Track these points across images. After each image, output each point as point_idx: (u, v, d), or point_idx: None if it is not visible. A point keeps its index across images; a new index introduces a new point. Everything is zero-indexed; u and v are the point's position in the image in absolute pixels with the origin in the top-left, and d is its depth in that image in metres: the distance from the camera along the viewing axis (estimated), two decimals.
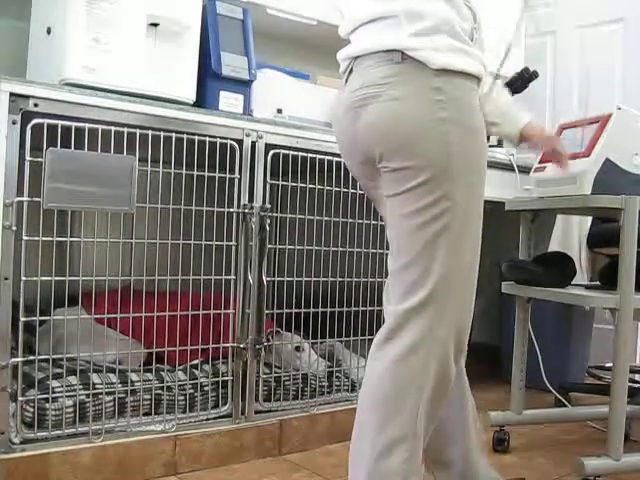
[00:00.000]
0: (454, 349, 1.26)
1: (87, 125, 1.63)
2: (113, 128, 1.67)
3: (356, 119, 1.28)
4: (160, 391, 1.82)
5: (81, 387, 1.70)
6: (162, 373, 1.85)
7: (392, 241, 1.30)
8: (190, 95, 1.91)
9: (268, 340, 2.00)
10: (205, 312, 1.88)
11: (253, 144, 1.93)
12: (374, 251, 2.13)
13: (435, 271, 1.23)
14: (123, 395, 1.77)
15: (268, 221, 1.93)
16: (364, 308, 2.12)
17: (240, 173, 1.90)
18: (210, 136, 1.83)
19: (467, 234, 1.27)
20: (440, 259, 1.23)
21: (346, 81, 1.33)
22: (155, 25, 1.85)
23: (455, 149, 1.21)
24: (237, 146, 1.88)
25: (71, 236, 1.68)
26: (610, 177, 1.85)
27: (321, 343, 2.17)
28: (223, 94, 2.00)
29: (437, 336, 1.24)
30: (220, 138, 1.85)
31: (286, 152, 1.95)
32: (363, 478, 1.23)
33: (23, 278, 1.57)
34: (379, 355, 1.27)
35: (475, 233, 1.29)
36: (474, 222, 1.28)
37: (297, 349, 2.08)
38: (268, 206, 1.94)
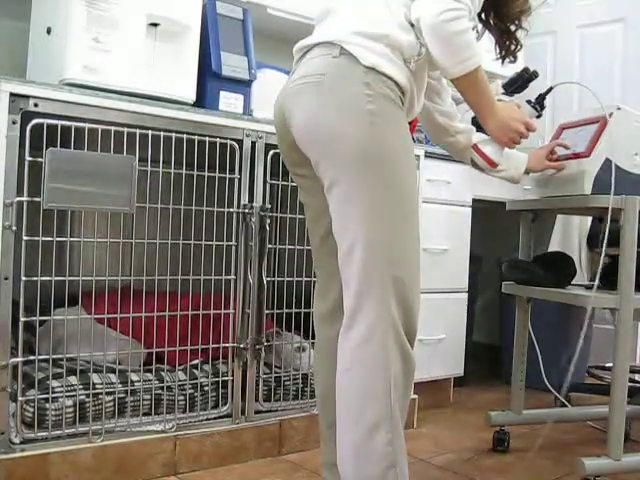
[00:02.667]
0: (404, 330, 1.28)
1: (87, 125, 1.63)
2: (113, 128, 1.67)
3: (292, 106, 1.34)
4: (160, 391, 1.82)
5: (81, 387, 1.70)
6: (162, 373, 1.85)
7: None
8: (190, 95, 1.91)
9: (268, 340, 2.00)
10: (205, 312, 1.88)
11: (253, 144, 1.93)
12: None
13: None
14: (123, 395, 1.77)
15: (268, 221, 1.93)
16: None
17: (240, 173, 1.90)
18: (210, 136, 1.83)
19: (396, 220, 1.29)
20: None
21: (292, 71, 1.40)
22: (155, 25, 1.85)
23: (378, 138, 1.26)
24: (237, 146, 1.89)
25: (71, 236, 1.68)
26: (610, 177, 1.85)
27: None
28: (223, 94, 2.00)
29: (389, 317, 1.26)
30: (220, 138, 1.85)
31: None
32: (350, 468, 1.26)
33: (23, 278, 1.57)
34: (341, 344, 1.30)
35: (408, 221, 1.31)
36: (404, 204, 1.30)
37: (298, 349, 2.08)
38: (268, 206, 1.94)
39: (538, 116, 1.71)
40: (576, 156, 1.90)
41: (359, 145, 1.25)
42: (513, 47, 1.59)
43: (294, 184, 1.93)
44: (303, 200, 1.52)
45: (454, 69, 1.31)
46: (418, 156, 2.29)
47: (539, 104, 1.72)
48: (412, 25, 1.31)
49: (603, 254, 1.72)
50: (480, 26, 1.52)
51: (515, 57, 1.61)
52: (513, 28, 1.57)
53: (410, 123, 1.40)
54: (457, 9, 1.26)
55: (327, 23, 1.37)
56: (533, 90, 1.82)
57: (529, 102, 1.73)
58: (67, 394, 1.67)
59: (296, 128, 1.34)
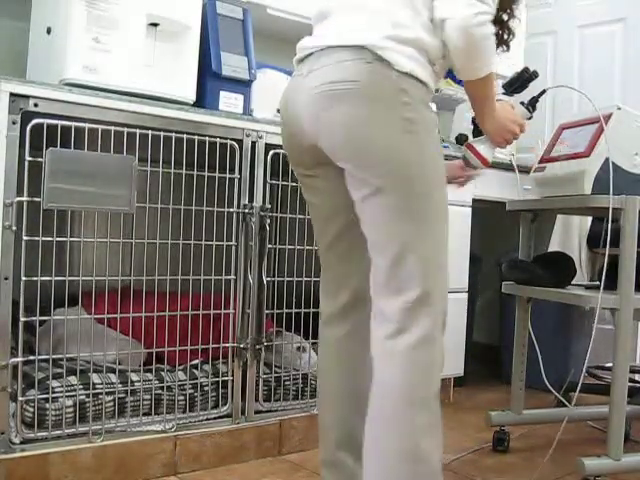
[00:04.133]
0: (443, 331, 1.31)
1: (87, 125, 1.63)
2: (113, 128, 1.67)
3: (323, 112, 1.28)
4: (160, 391, 1.82)
5: (81, 387, 1.70)
6: (162, 373, 1.85)
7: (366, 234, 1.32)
8: (190, 95, 1.91)
9: (270, 340, 2.00)
10: (205, 312, 1.88)
11: (253, 144, 1.93)
12: None
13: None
14: (123, 395, 1.77)
15: (268, 221, 1.93)
16: None
17: (240, 173, 1.90)
18: (210, 136, 1.83)
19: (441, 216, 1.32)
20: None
21: (308, 70, 1.32)
22: (155, 25, 1.85)
23: (419, 147, 1.26)
24: (237, 146, 1.89)
25: (71, 236, 1.68)
26: (610, 177, 1.85)
27: None
28: (223, 94, 2.00)
29: (440, 322, 1.29)
30: (220, 138, 1.85)
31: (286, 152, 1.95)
32: (401, 472, 1.24)
33: (23, 278, 1.57)
34: (392, 347, 1.26)
35: (445, 224, 1.33)
36: (443, 209, 1.32)
37: (298, 349, 2.08)
38: (268, 206, 1.94)
39: (529, 117, 1.72)
40: (576, 156, 1.90)
41: (402, 154, 1.25)
42: (506, 36, 1.58)
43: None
44: (310, 200, 1.47)
45: (476, 72, 1.31)
46: None
47: (532, 106, 1.72)
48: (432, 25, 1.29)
49: (607, 254, 1.72)
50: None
51: (508, 46, 1.60)
52: (505, 17, 1.56)
53: None
54: (486, 13, 1.25)
55: (339, 23, 1.31)
56: (533, 90, 1.82)
57: (522, 103, 1.73)
58: (67, 394, 1.67)
59: (329, 136, 1.29)
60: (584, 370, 1.77)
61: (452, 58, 1.30)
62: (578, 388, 1.82)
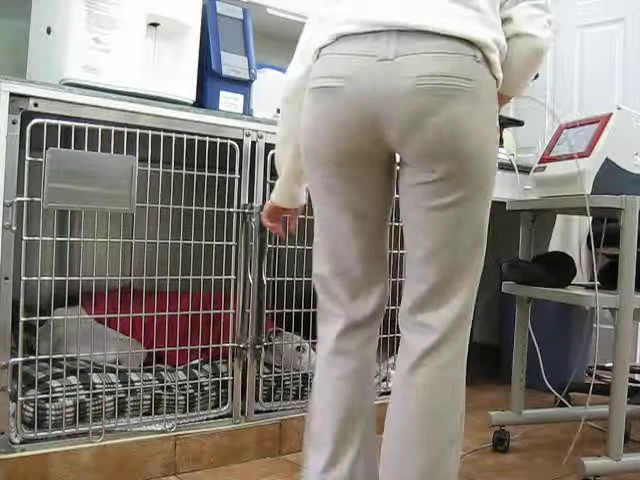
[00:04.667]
0: None
1: (87, 125, 1.63)
2: (113, 128, 1.67)
3: (432, 106, 1.14)
4: (160, 391, 1.82)
5: (81, 387, 1.70)
6: (162, 373, 1.85)
7: (423, 244, 1.25)
8: (190, 95, 1.91)
9: (269, 340, 2.00)
10: (205, 312, 1.88)
11: (253, 144, 1.93)
12: None
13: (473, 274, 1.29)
14: (123, 395, 1.77)
15: None
16: None
17: (240, 173, 1.90)
18: (210, 136, 1.83)
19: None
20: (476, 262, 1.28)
21: (394, 53, 1.15)
22: (155, 25, 1.85)
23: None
24: (237, 146, 1.89)
25: (71, 236, 1.68)
26: (610, 177, 1.85)
27: None
28: (223, 94, 2.00)
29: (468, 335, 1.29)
30: (220, 138, 1.85)
31: None
32: (452, 451, 1.23)
33: (23, 278, 1.57)
34: (429, 362, 1.25)
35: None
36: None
37: (298, 349, 2.08)
38: None
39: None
40: (576, 156, 1.90)
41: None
42: None
43: None
44: (333, 200, 1.30)
45: (521, 90, 1.31)
46: None
47: None
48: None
49: (600, 253, 1.72)
50: None
51: None
52: None
53: None
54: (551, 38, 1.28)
55: (424, 3, 1.17)
56: (533, 90, 1.82)
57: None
58: (67, 394, 1.67)
59: (433, 135, 1.16)
60: (593, 370, 1.76)
61: (507, 73, 1.24)
62: (590, 390, 1.82)
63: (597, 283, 1.81)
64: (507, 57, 1.25)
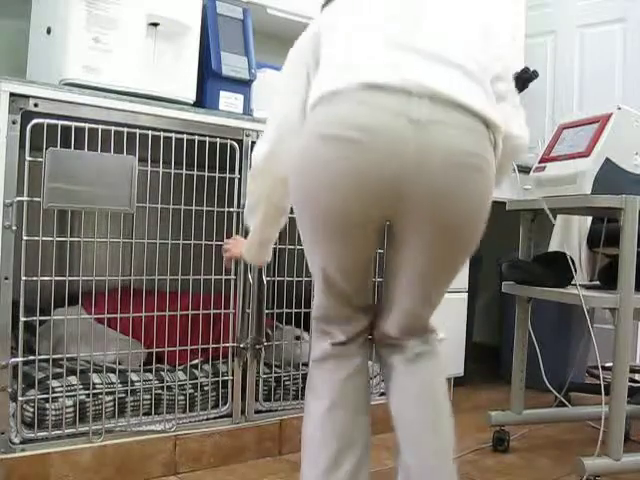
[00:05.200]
0: None
1: (87, 125, 1.63)
2: (113, 128, 1.67)
3: (456, 180, 1.13)
4: (160, 391, 1.82)
5: (81, 387, 1.70)
6: (162, 373, 1.85)
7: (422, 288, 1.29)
8: (190, 95, 1.91)
9: (267, 335, 1.99)
10: (205, 312, 1.88)
11: (253, 144, 1.92)
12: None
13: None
14: (123, 395, 1.77)
15: None
16: None
17: (240, 173, 1.90)
18: (210, 136, 1.83)
19: None
20: None
21: (427, 119, 1.10)
22: (155, 25, 1.85)
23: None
24: (237, 146, 1.89)
25: (71, 236, 1.68)
26: (610, 177, 1.85)
27: None
28: (223, 94, 2.00)
29: None
30: (220, 138, 1.85)
31: None
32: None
33: (23, 278, 1.57)
34: (433, 347, 1.36)
35: None
36: None
37: (297, 338, 2.08)
38: None
39: None
40: (576, 156, 1.90)
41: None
42: None
43: None
44: (318, 251, 1.29)
45: (499, 183, 1.33)
46: None
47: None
48: None
49: (599, 253, 1.71)
50: None
51: None
52: None
53: None
54: None
55: (472, 87, 1.16)
56: (532, 89, 1.82)
57: None
58: (67, 394, 1.67)
59: (449, 209, 1.15)
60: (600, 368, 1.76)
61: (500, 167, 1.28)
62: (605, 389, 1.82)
63: (578, 284, 1.81)
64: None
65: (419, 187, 1.12)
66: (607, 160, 1.84)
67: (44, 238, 1.60)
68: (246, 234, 1.52)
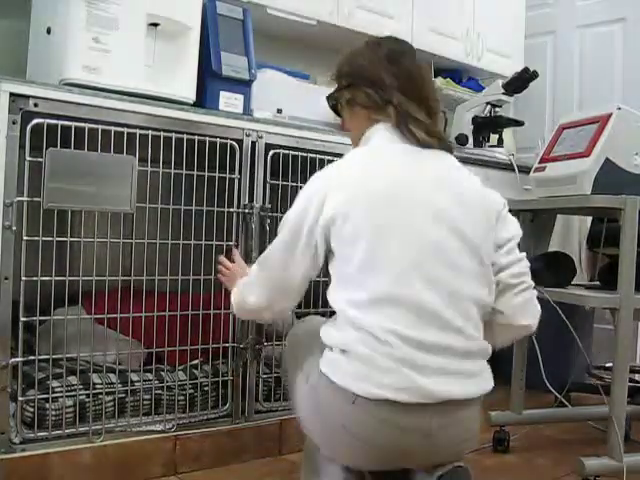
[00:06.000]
0: None
1: (87, 125, 1.63)
2: (113, 128, 1.67)
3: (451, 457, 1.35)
4: (160, 391, 1.82)
5: (81, 387, 1.70)
6: (162, 373, 1.85)
7: None
8: (190, 95, 1.91)
9: (267, 335, 1.98)
10: (205, 312, 1.88)
11: (253, 144, 1.93)
12: None
13: None
14: (123, 395, 1.77)
15: (268, 221, 1.93)
16: None
17: (240, 173, 1.90)
18: (210, 136, 1.83)
19: None
20: None
21: (438, 426, 1.27)
22: (155, 25, 1.85)
23: None
24: (237, 146, 1.89)
25: (71, 236, 1.68)
26: (610, 177, 1.85)
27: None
28: (223, 94, 2.00)
29: None
30: (220, 138, 1.85)
31: (286, 152, 1.95)
32: None
33: (23, 278, 1.57)
34: None
35: None
36: None
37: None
38: (268, 206, 1.94)
39: None
40: (576, 156, 1.90)
41: None
42: None
43: (294, 184, 1.94)
44: None
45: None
46: None
47: None
48: None
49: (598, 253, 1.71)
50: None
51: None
52: None
53: None
54: None
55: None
56: (532, 89, 1.82)
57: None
58: (67, 394, 1.67)
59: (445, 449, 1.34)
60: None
61: (491, 340, 1.37)
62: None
63: (598, 282, 1.81)
64: (495, 334, 1.40)
65: (424, 461, 1.34)
66: (607, 160, 1.84)
67: (44, 238, 1.60)
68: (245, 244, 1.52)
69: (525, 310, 1.40)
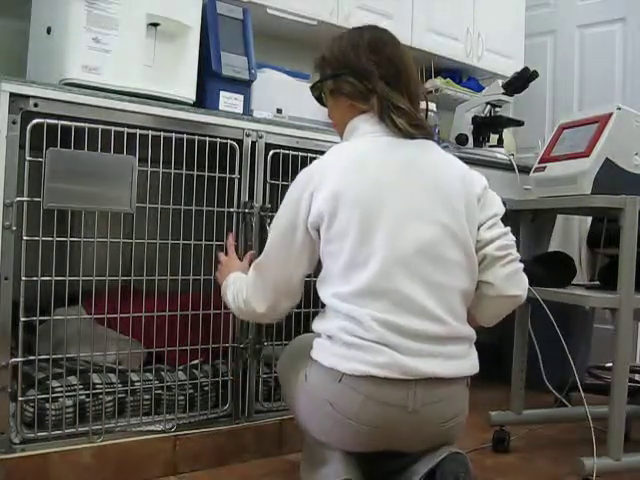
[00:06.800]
0: None
1: (87, 125, 1.63)
2: (113, 128, 1.67)
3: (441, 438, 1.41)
4: (160, 391, 1.82)
5: (81, 387, 1.70)
6: (162, 373, 1.85)
7: None
8: (190, 95, 1.91)
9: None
10: (205, 312, 1.88)
11: (253, 144, 1.93)
12: None
13: None
14: (123, 395, 1.77)
15: (268, 221, 1.93)
16: None
17: (240, 173, 1.90)
18: (210, 136, 1.83)
19: None
20: None
21: (421, 403, 1.34)
22: (155, 25, 1.84)
23: None
24: (237, 146, 1.89)
25: (71, 236, 1.68)
26: (610, 177, 1.85)
27: None
28: (223, 94, 2.00)
29: None
30: (220, 138, 1.85)
31: (286, 152, 1.95)
32: None
33: (23, 278, 1.57)
34: None
35: None
36: None
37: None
38: (268, 206, 1.94)
39: None
40: (576, 156, 1.90)
41: None
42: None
43: None
44: None
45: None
46: None
47: None
48: None
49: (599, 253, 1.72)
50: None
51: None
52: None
53: None
54: None
55: (457, 350, 1.43)
56: (532, 89, 1.82)
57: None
58: (67, 394, 1.67)
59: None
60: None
61: (485, 314, 1.49)
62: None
63: (598, 282, 1.81)
64: (485, 307, 1.46)
65: (412, 445, 1.41)
66: (607, 160, 1.84)
67: (44, 238, 1.59)
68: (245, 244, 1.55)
69: (514, 280, 1.43)
